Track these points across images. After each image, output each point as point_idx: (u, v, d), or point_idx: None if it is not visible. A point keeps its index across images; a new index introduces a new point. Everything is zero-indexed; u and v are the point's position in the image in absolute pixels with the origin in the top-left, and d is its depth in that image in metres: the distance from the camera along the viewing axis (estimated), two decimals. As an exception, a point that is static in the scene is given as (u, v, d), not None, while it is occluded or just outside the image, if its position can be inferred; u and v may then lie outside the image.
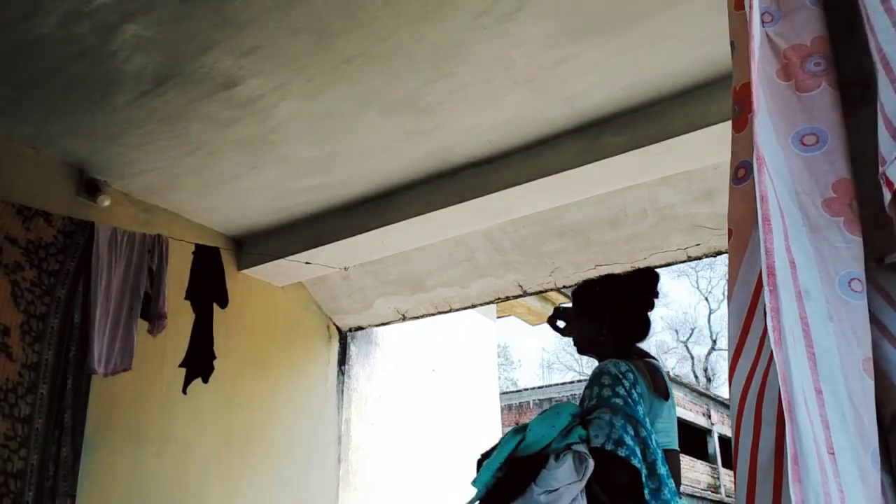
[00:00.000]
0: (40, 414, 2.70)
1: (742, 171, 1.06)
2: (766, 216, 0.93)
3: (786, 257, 0.94)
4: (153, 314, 3.05)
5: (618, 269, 3.85)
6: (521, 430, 1.91)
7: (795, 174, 1.00)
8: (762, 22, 1.08)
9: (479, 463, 2.00)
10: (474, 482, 1.88)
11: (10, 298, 2.73)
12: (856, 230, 0.97)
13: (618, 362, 2.04)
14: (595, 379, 2.01)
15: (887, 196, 0.89)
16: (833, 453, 0.86)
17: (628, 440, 1.87)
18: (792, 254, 0.94)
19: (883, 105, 0.90)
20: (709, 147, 2.81)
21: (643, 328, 2.23)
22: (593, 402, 1.96)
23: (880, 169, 0.89)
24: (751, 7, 1.05)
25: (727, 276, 1.05)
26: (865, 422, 0.90)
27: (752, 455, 0.92)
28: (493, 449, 1.97)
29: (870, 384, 0.92)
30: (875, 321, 0.98)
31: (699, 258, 3.69)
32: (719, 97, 2.68)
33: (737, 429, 0.95)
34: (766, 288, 0.91)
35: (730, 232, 1.05)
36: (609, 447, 1.85)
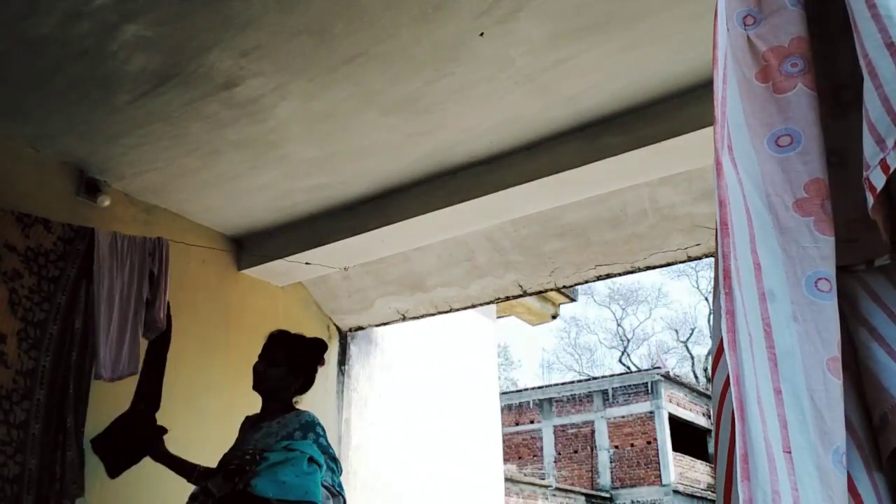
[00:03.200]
0: (37, 419, 2.69)
1: None
2: (724, 221, 0.93)
3: (750, 259, 0.94)
4: (149, 318, 3.03)
5: (618, 270, 3.85)
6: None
7: (767, 176, 1.00)
8: (744, 24, 1.08)
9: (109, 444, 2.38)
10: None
11: (6, 306, 2.72)
12: (827, 230, 0.97)
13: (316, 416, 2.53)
14: (311, 427, 2.44)
15: (870, 200, 0.89)
16: (790, 452, 0.86)
17: (340, 482, 2.43)
18: (758, 256, 0.94)
19: (868, 111, 0.90)
20: (709, 147, 2.78)
21: (307, 389, 2.69)
22: (314, 448, 2.35)
23: (864, 174, 0.89)
24: (716, 15, 1.05)
25: (713, 274, 1.05)
26: (828, 421, 0.89)
27: (730, 453, 0.92)
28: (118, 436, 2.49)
29: (835, 384, 0.91)
30: (864, 323, 0.98)
31: (699, 258, 3.69)
32: (719, 97, 2.68)
33: (716, 426, 0.95)
34: (721, 291, 0.91)
35: (716, 232, 1.06)
36: (336, 489, 2.35)
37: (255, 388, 2.65)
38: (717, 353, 0.99)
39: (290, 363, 2.62)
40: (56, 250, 2.88)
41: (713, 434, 0.98)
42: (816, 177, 0.99)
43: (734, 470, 0.91)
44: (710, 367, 28.04)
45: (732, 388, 0.87)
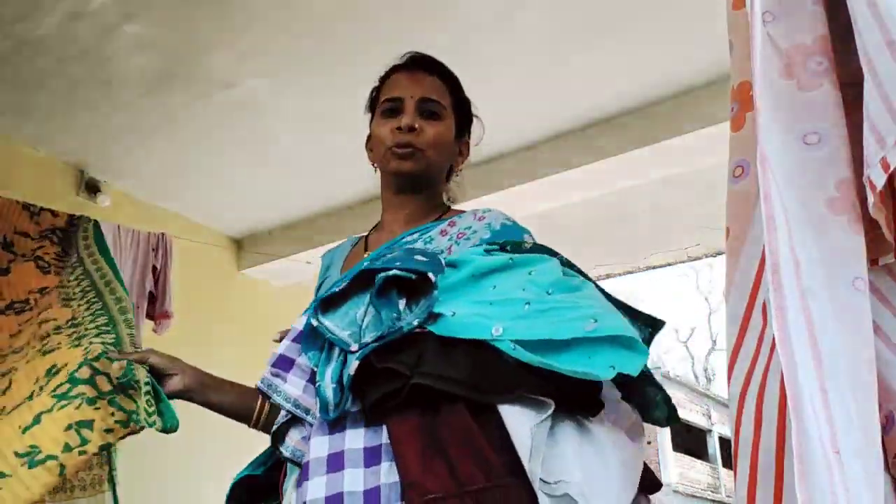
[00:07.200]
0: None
1: (739, 170, 1.06)
2: (770, 214, 0.92)
3: (790, 256, 0.93)
4: (159, 313, 3.04)
5: (618, 270, 3.85)
6: None
7: (797, 172, 0.99)
8: (763, 21, 1.07)
9: None
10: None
11: (36, 271, 2.67)
12: (859, 229, 0.96)
13: None
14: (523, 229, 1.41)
15: (871, 199, 0.89)
16: (838, 453, 0.86)
17: None
18: (796, 253, 0.94)
19: (868, 109, 0.90)
20: (709, 147, 2.81)
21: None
22: None
23: (864, 172, 0.89)
24: (752, 6, 1.04)
25: (725, 275, 1.05)
26: (869, 422, 0.89)
27: (753, 455, 0.91)
28: None
29: (873, 384, 0.91)
30: None
31: (699, 258, 3.70)
32: (719, 97, 2.68)
33: (736, 428, 0.95)
34: (770, 287, 0.90)
35: (727, 231, 1.05)
36: None
37: (394, 167, 1.43)
38: (733, 354, 0.99)
39: (457, 113, 1.50)
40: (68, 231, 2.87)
41: (732, 433, 0.97)
42: (847, 176, 0.98)
43: (758, 471, 0.90)
44: (710, 368, 28.03)
45: (787, 386, 0.86)
